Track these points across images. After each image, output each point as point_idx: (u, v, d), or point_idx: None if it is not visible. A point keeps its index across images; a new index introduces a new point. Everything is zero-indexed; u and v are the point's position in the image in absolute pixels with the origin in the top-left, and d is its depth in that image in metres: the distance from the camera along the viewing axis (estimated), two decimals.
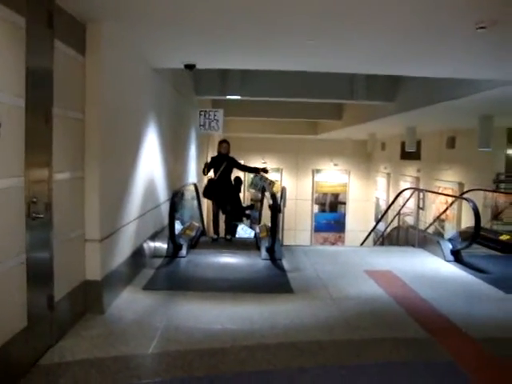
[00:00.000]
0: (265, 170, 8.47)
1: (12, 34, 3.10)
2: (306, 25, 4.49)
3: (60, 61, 3.74)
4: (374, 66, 6.66)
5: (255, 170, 8.65)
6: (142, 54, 5.68)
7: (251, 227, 11.51)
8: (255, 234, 8.74)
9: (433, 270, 6.91)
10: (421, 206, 9.79)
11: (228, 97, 10.83)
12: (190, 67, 6.14)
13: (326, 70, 7.90)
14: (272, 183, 9.29)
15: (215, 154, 12.15)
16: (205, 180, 9.20)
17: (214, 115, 9.18)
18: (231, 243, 8.32)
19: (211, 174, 8.41)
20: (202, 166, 8.60)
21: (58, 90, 3.72)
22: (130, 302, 4.95)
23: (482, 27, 4.16)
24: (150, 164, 6.53)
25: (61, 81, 3.76)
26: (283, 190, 8.70)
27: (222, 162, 8.16)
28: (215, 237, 8.38)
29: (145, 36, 4.99)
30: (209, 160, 8.80)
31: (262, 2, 3.90)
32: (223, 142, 8.34)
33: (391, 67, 6.75)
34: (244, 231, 10.60)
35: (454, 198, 11.08)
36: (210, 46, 5.41)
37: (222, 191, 8.21)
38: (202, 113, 8.06)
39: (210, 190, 8.32)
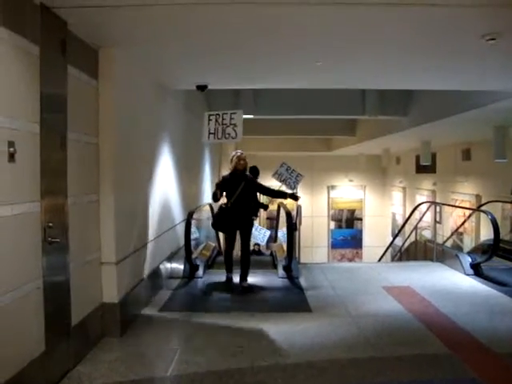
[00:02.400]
0: (295, 197, 6.76)
1: (27, 62, 3.16)
2: (317, 46, 4.55)
3: (73, 86, 3.80)
4: (385, 82, 6.67)
5: (283, 195, 6.79)
6: (154, 76, 5.75)
7: (267, 245, 11.44)
8: (271, 252, 8.68)
9: (452, 284, 6.80)
10: (438, 219, 9.68)
11: None
12: (201, 88, 6.20)
13: (336, 87, 7.93)
14: (300, 176, 7.57)
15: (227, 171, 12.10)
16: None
17: (231, 118, 6.94)
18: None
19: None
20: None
21: (72, 114, 3.77)
22: (147, 325, 4.94)
23: (491, 39, 4.15)
24: (165, 185, 6.57)
25: (75, 106, 3.82)
26: (298, 207, 8.64)
27: (239, 183, 6.42)
28: (230, 276, 6.79)
29: (156, 59, 5.05)
30: (220, 179, 7.16)
31: (271, 25, 3.94)
32: (240, 156, 6.57)
33: (401, 82, 6.75)
34: (258, 232, 8.70)
35: (471, 211, 10.94)
36: (221, 67, 5.47)
37: (238, 222, 6.49)
38: (213, 117, 5.96)
39: (222, 220, 6.51)
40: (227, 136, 6.16)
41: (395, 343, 4.50)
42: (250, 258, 6.67)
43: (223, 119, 6.12)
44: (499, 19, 3.80)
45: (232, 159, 6.63)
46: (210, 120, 6.16)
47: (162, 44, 4.50)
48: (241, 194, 6.38)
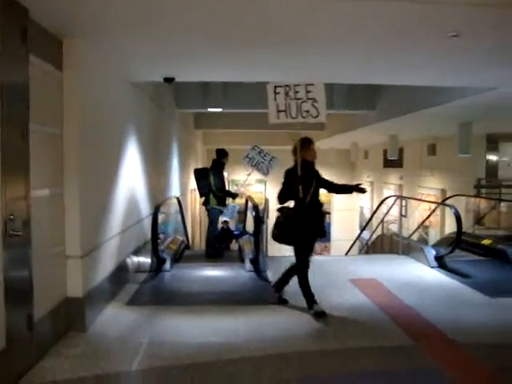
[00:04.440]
0: (361, 189, 5.40)
1: None
2: (282, 37, 4.51)
3: (36, 76, 3.70)
4: (352, 76, 6.71)
5: (348, 190, 5.62)
6: (120, 67, 5.65)
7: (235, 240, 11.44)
8: (238, 245, 8.68)
9: (417, 276, 6.93)
10: (404, 213, 9.85)
11: (210, 109, 10.85)
12: (169, 80, 6.13)
13: (304, 81, 7.93)
14: (274, 160, 7.18)
15: (199, 164, 11.89)
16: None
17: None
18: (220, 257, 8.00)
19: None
20: (188, 179, 7.61)
21: (35, 105, 3.67)
22: (113, 319, 4.88)
23: (454, 35, 4.22)
24: (131, 178, 6.48)
25: (37, 96, 3.72)
26: (266, 201, 8.67)
27: (311, 179, 5.09)
28: (320, 309, 5.03)
29: (122, 50, 4.96)
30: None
31: (239, 15, 3.91)
32: (309, 143, 5.16)
33: (368, 77, 6.80)
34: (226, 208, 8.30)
35: (436, 205, 11.17)
36: (188, 59, 5.40)
37: (316, 229, 5.19)
38: (280, 89, 4.85)
39: (294, 227, 5.04)
40: (305, 114, 4.89)
41: (361, 335, 4.56)
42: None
43: (296, 92, 4.91)
44: (463, 17, 3.87)
45: (299, 146, 5.09)
46: (276, 93, 4.92)
47: (128, 34, 4.41)
48: (314, 194, 5.08)
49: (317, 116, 4.91)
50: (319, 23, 4.06)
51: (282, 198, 5.10)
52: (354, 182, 5.81)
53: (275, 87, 4.92)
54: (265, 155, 7.12)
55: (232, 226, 9.91)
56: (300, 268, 5.15)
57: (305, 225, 4.99)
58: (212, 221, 8.32)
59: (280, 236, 5.15)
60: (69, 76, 4.29)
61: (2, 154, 3.22)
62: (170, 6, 3.68)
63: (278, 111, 4.94)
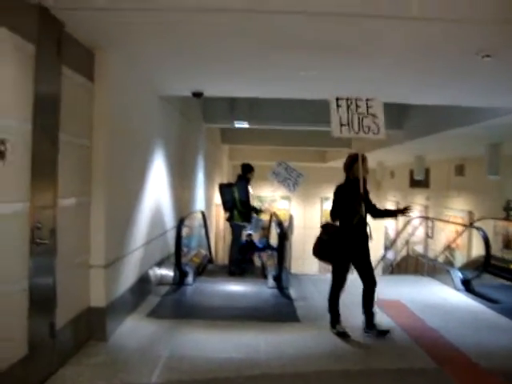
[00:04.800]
0: (406, 210, 5.14)
1: (22, 61, 3.15)
2: (310, 57, 4.57)
3: (68, 87, 3.78)
4: (381, 94, 6.67)
5: (393, 214, 5.60)
6: (150, 80, 5.74)
7: (258, 255, 11.42)
8: (261, 261, 8.65)
9: (442, 298, 6.79)
10: (429, 234, 9.68)
11: (236, 125, 10.91)
12: (197, 95, 6.20)
13: (329, 98, 7.92)
14: (300, 177, 7.33)
15: (225, 179, 11.89)
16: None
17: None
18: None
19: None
20: (213, 193, 7.62)
21: (66, 115, 3.75)
22: (133, 330, 4.89)
23: (486, 55, 4.17)
24: (157, 190, 6.54)
25: (68, 107, 3.80)
26: (291, 218, 8.62)
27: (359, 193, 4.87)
28: (343, 330, 4.99)
29: (152, 63, 5.05)
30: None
31: (268, 34, 3.96)
32: (364, 159, 4.96)
33: (395, 96, 6.76)
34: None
35: (464, 227, 10.96)
36: (217, 74, 5.47)
37: (361, 248, 5.00)
38: (343, 102, 4.69)
39: (338, 245, 4.96)
40: (366, 130, 4.66)
41: (383, 356, 4.48)
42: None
43: (357, 106, 4.74)
44: (494, 36, 3.83)
45: (352, 161, 5.00)
46: (338, 106, 4.75)
47: (159, 49, 4.50)
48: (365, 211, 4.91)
49: (377, 133, 4.70)
50: (347, 41, 4.07)
51: (334, 215, 5.01)
52: (401, 206, 5.72)
53: (337, 99, 4.77)
54: (292, 171, 7.10)
55: (255, 239, 9.89)
56: (334, 285, 5.12)
57: (349, 244, 4.92)
58: (235, 238, 8.22)
59: (321, 253, 5.10)
60: (100, 88, 4.38)
61: (32, 163, 3.28)
62: (200, 23, 3.73)
63: (341, 125, 4.74)
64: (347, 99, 4.75)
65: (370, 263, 5.07)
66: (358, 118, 4.72)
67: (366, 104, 4.72)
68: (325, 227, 5.15)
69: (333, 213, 5.00)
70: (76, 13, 3.53)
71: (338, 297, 5.10)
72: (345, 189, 4.97)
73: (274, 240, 8.81)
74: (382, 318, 5.64)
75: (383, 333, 4.95)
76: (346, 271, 5.04)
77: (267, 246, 8.84)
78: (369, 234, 5.03)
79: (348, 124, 4.73)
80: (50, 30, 3.48)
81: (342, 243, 4.92)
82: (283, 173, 7.16)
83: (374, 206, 5.17)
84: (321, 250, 5.09)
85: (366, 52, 4.41)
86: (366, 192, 4.96)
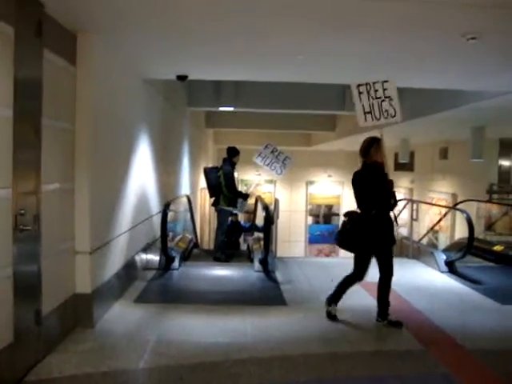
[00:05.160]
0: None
1: (0, 43, 3.05)
2: (297, 39, 4.53)
3: (49, 71, 3.69)
4: (365, 78, 6.65)
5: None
6: (134, 64, 5.64)
7: (244, 239, 11.42)
8: (248, 245, 8.66)
9: (427, 281, 6.86)
10: (414, 217, 9.77)
11: (221, 108, 10.83)
12: (182, 78, 6.12)
13: (316, 81, 7.89)
14: (288, 159, 7.23)
15: (210, 163, 11.79)
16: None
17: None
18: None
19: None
20: (198, 177, 7.54)
21: (48, 100, 3.67)
22: (120, 316, 4.87)
23: (472, 38, 4.16)
24: (142, 175, 6.47)
25: (50, 91, 3.72)
26: (276, 201, 8.62)
27: (382, 182, 4.65)
28: (333, 313, 4.94)
29: (136, 46, 4.95)
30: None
31: (254, 15, 3.90)
32: (378, 143, 4.69)
33: (380, 79, 6.74)
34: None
35: (447, 209, 11.08)
36: (202, 57, 5.39)
37: (381, 235, 4.74)
38: (363, 88, 4.44)
39: (360, 234, 4.71)
40: (386, 115, 4.45)
41: (370, 338, 4.54)
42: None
43: (376, 91, 4.51)
44: (480, 19, 3.82)
45: (369, 145, 4.73)
46: (360, 93, 4.52)
47: (143, 31, 4.40)
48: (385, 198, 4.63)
49: (394, 116, 4.49)
50: (333, 22, 4.03)
51: (361, 204, 4.75)
52: None
53: (358, 86, 4.53)
54: (278, 154, 6.99)
55: (241, 220, 9.83)
56: (354, 276, 4.92)
57: (372, 233, 4.65)
58: (221, 223, 8.07)
59: (344, 242, 4.86)
60: (82, 71, 4.29)
61: (14, 149, 3.21)
62: (185, 5, 3.66)
63: (365, 113, 4.54)
64: (366, 84, 4.53)
65: (390, 252, 4.87)
66: (378, 103, 4.52)
67: (383, 87, 4.51)
68: (349, 215, 4.88)
69: (359, 202, 4.74)
70: None
71: (352, 284, 4.95)
72: (362, 175, 4.72)
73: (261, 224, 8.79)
74: (367, 300, 5.70)
75: (395, 324, 4.76)
76: (367, 262, 4.82)
77: (253, 227, 8.77)
78: (393, 220, 4.79)
79: (370, 111, 4.54)
80: (29, 11, 3.38)
81: (364, 232, 4.66)
82: (270, 156, 7.05)
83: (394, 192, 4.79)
84: (343, 238, 4.86)
85: (349, 35, 4.38)
86: (384, 176, 4.66)
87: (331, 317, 4.92)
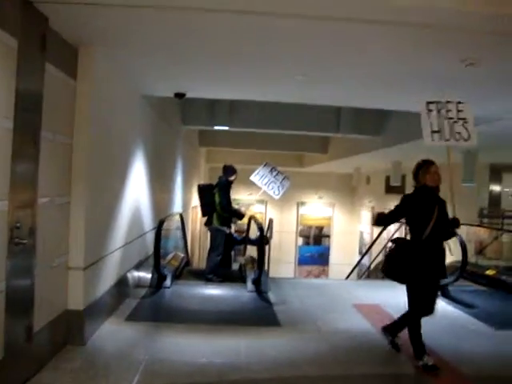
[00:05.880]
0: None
1: (4, 55, 3.04)
2: (295, 61, 4.59)
3: (50, 84, 3.68)
4: (360, 100, 6.72)
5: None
6: (133, 80, 5.65)
7: (235, 259, 11.32)
8: (240, 265, 8.59)
9: None
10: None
11: (216, 127, 10.86)
12: (179, 96, 6.13)
13: (312, 103, 7.95)
14: (286, 180, 7.23)
15: (202, 182, 11.72)
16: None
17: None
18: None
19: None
20: (191, 196, 7.45)
21: (47, 113, 3.65)
22: (112, 334, 4.78)
23: (470, 64, 4.22)
24: (136, 192, 6.44)
25: (50, 104, 3.70)
26: (270, 221, 8.58)
27: (433, 209, 4.32)
28: (428, 362, 4.23)
29: (136, 63, 4.98)
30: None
31: (254, 38, 3.96)
32: (435, 166, 4.46)
33: (378, 102, 6.82)
34: None
35: None
36: (200, 76, 5.44)
37: (431, 265, 4.33)
38: (433, 107, 4.13)
39: (406, 262, 4.36)
40: (457, 137, 4.23)
41: (365, 362, 4.47)
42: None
43: (448, 111, 4.32)
44: (479, 45, 3.88)
45: (417, 168, 4.53)
46: (429, 111, 4.35)
47: (144, 47, 4.44)
48: (437, 223, 4.29)
49: (467, 139, 4.29)
50: (328, 45, 4.08)
51: (383, 220, 4.68)
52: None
53: (428, 104, 4.38)
54: (277, 174, 6.86)
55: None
56: (411, 313, 4.46)
57: (420, 262, 4.28)
58: (216, 245, 7.64)
59: (390, 271, 4.51)
60: (82, 85, 4.28)
61: (12, 161, 3.18)
62: (182, 24, 3.70)
63: (432, 132, 4.36)
64: (437, 103, 4.35)
65: (436, 286, 4.52)
66: (449, 124, 4.32)
67: (457, 108, 4.33)
68: (395, 241, 4.62)
69: (384, 219, 4.61)
70: (60, 7, 3.45)
71: (419, 324, 4.37)
72: (413, 199, 4.44)
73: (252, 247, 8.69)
74: (362, 322, 5.66)
75: (427, 368, 4.21)
76: (423, 291, 4.35)
77: (246, 239, 8.50)
78: (448, 250, 4.48)
79: (439, 131, 4.35)
80: (34, 24, 3.38)
81: (413, 260, 4.31)
82: (268, 175, 6.94)
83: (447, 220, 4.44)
84: (390, 267, 4.52)
85: (348, 58, 4.43)
86: (439, 202, 4.37)
87: (429, 368, 4.21)
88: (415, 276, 4.31)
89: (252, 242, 7.93)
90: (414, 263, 4.31)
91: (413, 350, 4.36)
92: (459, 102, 4.33)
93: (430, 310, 4.39)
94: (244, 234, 8.57)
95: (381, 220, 4.69)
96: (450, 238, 4.54)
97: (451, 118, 4.31)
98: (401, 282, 4.49)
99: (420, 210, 4.33)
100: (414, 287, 4.37)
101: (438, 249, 4.37)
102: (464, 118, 4.30)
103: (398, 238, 4.69)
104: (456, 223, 4.45)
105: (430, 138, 4.38)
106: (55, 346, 4.10)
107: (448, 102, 4.34)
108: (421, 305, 4.37)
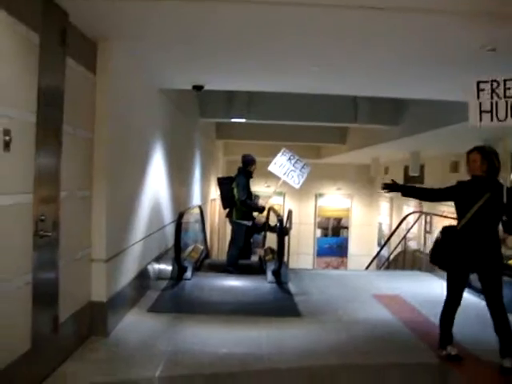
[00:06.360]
0: None
1: (26, 50, 3.08)
2: (312, 51, 4.58)
3: (71, 78, 3.71)
4: (379, 89, 6.67)
5: None
6: (151, 73, 5.67)
7: (254, 251, 11.30)
8: (259, 256, 8.61)
9: (441, 294, 6.72)
10: (427, 229, 9.70)
11: (233, 120, 10.87)
12: (198, 88, 6.14)
13: (329, 93, 7.90)
14: (306, 167, 6.62)
15: (219, 175, 11.74)
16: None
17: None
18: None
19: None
20: (209, 188, 7.43)
21: (69, 107, 3.68)
22: (134, 325, 4.85)
23: (491, 49, 4.15)
24: (156, 185, 6.49)
25: (71, 98, 3.73)
26: (290, 213, 8.57)
27: (477, 198, 4.09)
28: (452, 352, 4.23)
29: (154, 56, 5.00)
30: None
31: (271, 28, 3.95)
32: (470, 153, 4.32)
33: (397, 90, 6.75)
34: None
35: None
36: (218, 68, 5.43)
37: (475, 257, 4.17)
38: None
39: (446, 249, 4.30)
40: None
41: (387, 351, 4.47)
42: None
43: (507, 89, 3.91)
44: (500, 30, 3.81)
45: (467, 158, 4.36)
46: (480, 90, 4.02)
47: (162, 41, 4.45)
48: (480, 212, 4.07)
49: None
50: (347, 33, 4.05)
51: (422, 193, 4.67)
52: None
53: (478, 83, 4.03)
54: (296, 162, 6.66)
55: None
56: (446, 299, 4.44)
57: (453, 251, 4.22)
58: (236, 238, 7.68)
59: (432, 256, 4.49)
60: (102, 79, 4.31)
61: (36, 154, 3.23)
62: (200, 15, 3.70)
63: (481, 112, 4.02)
64: (492, 81, 3.98)
65: (496, 282, 4.20)
66: (506, 103, 3.91)
67: (302, 166, 4.02)
68: (444, 229, 4.46)
69: (427, 193, 4.65)
70: (79, 1, 3.48)
71: (452, 313, 4.37)
72: (458, 186, 4.35)
73: (272, 236, 8.70)
74: (383, 312, 5.65)
75: (450, 357, 4.21)
76: (460, 282, 4.32)
77: (266, 226, 8.21)
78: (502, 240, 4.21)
79: (491, 111, 3.98)
80: (54, 19, 3.41)
81: (448, 247, 4.25)
82: (287, 164, 6.74)
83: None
84: (434, 253, 4.43)
85: (369, 44, 4.39)
86: (489, 190, 4.06)
87: (452, 358, 4.21)
88: (457, 265, 4.25)
89: (272, 229, 7.76)
90: (447, 251, 4.27)
91: (439, 339, 4.33)
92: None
93: (457, 301, 4.36)
94: (264, 220, 8.38)
95: (424, 193, 4.66)
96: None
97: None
98: (443, 268, 4.48)
99: (459, 199, 4.25)
100: (453, 276, 4.34)
101: (480, 240, 4.14)
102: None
103: (447, 225, 4.50)
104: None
105: (477, 118, 4.03)
106: (80, 336, 4.17)
107: (507, 79, 3.93)
108: (455, 294, 4.34)
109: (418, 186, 4.66)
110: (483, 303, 6.18)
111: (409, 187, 4.62)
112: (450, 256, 4.25)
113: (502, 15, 3.52)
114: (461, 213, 4.22)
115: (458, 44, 4.20)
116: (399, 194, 4.50)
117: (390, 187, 4.47)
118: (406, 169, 14.60)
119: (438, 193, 4.54)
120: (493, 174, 4.15)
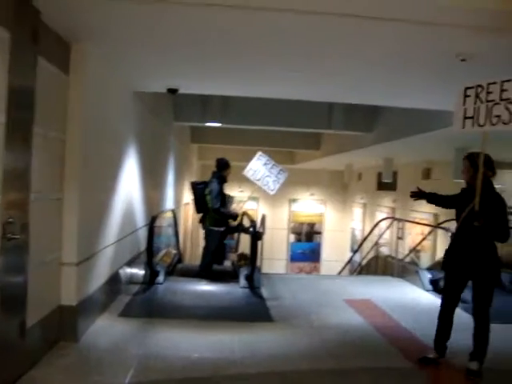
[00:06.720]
0: None
1: None
2: (288, 57, 4.59)
3: (43, 78, 3.65)
4: (352, 96, 6.73)
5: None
6: (125, 75, 5.61)
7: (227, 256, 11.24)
8: (232, 261, 8.59)
9: (412, 299, 6.88)
10: (399, 235, 9.83)
11: (208, 124, 10.83)
12: (172, 91, 6.10)
13: (304, 99, 7.94)
14: (282, 173, 6.71)
15: (194, 179, 11.66)
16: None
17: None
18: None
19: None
20: (182, 192, 7.39)
21: (40, 108, 3.61)
22: (105, 330, 4.77)
23: (462, 59, 4.24)
24: (129, 188, 6.41)
25: (43, 99, 3.67)
26: (263, 217, 8.58)
27: (467, 202, 4.12)
28: (432, 357, 4.35)
29: (129, 58, 4.95)
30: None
31: (245, 34, 3.96)
32: (462, 161, 4.39)
33: (370, 97, 6.83)
34: None
35: (430, 229, 11.17)
36: (193, 73, 5.41)
37: (468, 263, 4.16)
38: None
39: (450, 256, 4.33)
40: (495, 120, 3.78)
41: (358, 355, 4.50)
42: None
43: (488, 93, 3.84)
44: (472, 40, 3.90)
45: (463, 165, 4.35)
46: (466, 97, 3.99)
47: (134, 43, 4.40)
48: (469, 219, 4.04)
49: (508, 122, 3.76)
50: (323, 40, 4.09)
51: (442, 201, 4.61)
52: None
53: (465, 89, 4.01)
54: (272, 167, 6.52)
55: None
56: (441, 301, 4.49)
57: (448, 255, 4.36)
58: (209, 246, 7.56)
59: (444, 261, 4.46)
60: (75, 80, 4.26)
61: (5, 156, 3.15)
62: (175, 20, 3.68)
63: (465, 118, 3.99)
64: (477, 86, 3.92)
65: (486, 289, 4.14)
66: (486, 107, 3.85)
67: (501, 87, 3.80)
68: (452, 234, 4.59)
69: (435, 198, 4.64)
70: (52, 1, 3.42)
71: (446, 317, 4.41)
72: (457, 194, 4.43)
73: (245, 241, 8.68)
74: (354, 317, 5.69)
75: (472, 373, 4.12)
76: (453, 285, 4.31)
77: (240, 228, 7.98)
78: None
79: (473, 116, 3.94)
80: (26, 16, 3.35)
81: (450, 250, 4.35)
82: (262, 169, 6.61)
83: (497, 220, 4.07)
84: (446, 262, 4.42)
85: (343, 54, 4.44)
86: (478, 197, 3.96)
87: (428, 361, 4.32)
88: (452, 268, 4.32)
89: (245, 231, 7.65)
90: (445, 255, 4.41)
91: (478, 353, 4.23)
92: (506, 81, 3.77)
93: (450, 304, 4.39)
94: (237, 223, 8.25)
95: (444, 200, 4.62)
96: (502, 237, 4.13)
97: (491, 101, 3.85)
98: (447, 274, 4.47)
99: (456, 206, 4.35)
100: (448, 278, 4.42)
101: (471, 246, 4.13)
102: (508, 99, 3.76)
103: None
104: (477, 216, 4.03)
105: (461, 124, 4.03)
106: (48, 342, 4.09)
107: (490, 83, 3.86)
108: (448, 298, 4.40)
109: (439, 193, 4.67)
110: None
111: (433, 195, 4.64)
112: (445, 258, 4.40)
113: (474, 27, 3.60)
114: (457, 220, 4.30)
115: (432, 53, 4.28)
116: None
117: (418, 195, 4.60)
118: (380, 175, 14.79)
119: (449, 200, 4.56)
120: (484, 181, 4.05)
